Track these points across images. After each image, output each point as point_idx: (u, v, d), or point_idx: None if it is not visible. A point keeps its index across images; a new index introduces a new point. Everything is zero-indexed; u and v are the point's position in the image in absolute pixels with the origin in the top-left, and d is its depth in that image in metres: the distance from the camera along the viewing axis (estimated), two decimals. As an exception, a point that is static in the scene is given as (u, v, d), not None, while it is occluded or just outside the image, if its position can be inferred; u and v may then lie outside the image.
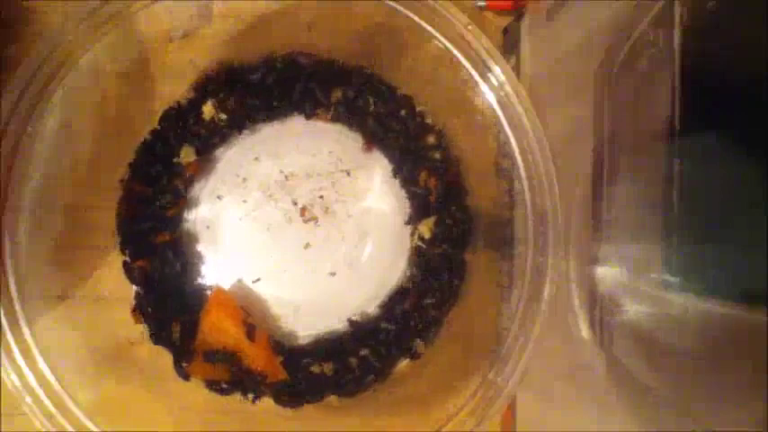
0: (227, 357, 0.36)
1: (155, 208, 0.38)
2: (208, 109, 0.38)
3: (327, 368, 0.38)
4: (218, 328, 0.36)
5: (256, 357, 0.36)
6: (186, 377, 0.37)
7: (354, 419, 0.38)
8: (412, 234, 0.40)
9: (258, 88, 0.38)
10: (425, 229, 0.39)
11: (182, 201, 0.39)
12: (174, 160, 0.38)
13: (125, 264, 0.38)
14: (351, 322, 0.39)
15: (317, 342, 0.39)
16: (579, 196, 0.30)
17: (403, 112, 0.39)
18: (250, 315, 0.38)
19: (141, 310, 0.38)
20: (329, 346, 0.39)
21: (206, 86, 0.38)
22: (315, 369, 0.38)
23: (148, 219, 0.38)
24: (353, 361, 0.38)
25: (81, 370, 0.33)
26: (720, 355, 0.22)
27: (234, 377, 0.36)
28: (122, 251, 0.38)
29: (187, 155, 0.38)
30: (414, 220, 0.39)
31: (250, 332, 0.36)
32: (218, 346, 0.36)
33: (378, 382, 0.38)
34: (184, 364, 0.37)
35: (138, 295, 0.38)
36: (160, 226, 0.38)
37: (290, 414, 0.37)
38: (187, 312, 0.37)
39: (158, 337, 0.37)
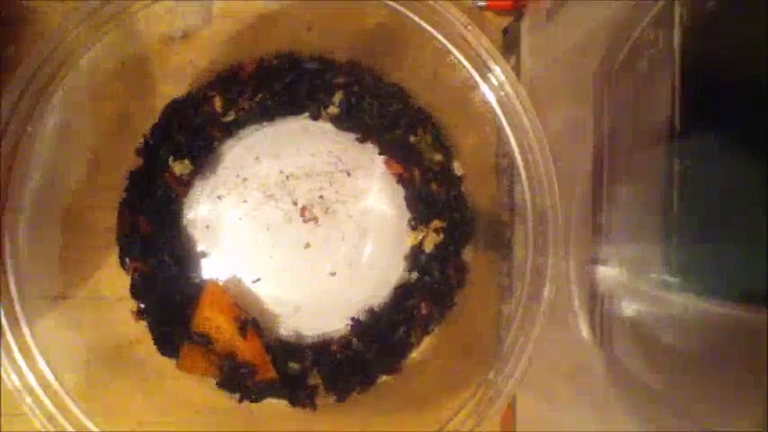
0: (218, 350, 0.36)
1: (155, 208, 0.38)
2: (208, 109, 0.38)
3: (327, 368, 0.38)
4: (211, 324, 0.36)
5: (247, 354, 0.36)
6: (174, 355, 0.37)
7: (354, 419, 0.38)
8: (412, 234, 0.40)
9: (259, 89, 0.38)
10: (425, 228, 0.39)
11: (181, 193, 0.39)
12: (174, 161, 0.38)
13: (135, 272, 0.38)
14: (351, 322, 0.39)
15: (316, 342, 0.39)
16: (579, 196, 0.30)
17: (403, 112, 0.39)
18: (246, 312, 0.37)
19: (141, 310, 0.38)
20: (329, 346, 0.39)
21: (206, 86, 0.38)
22: (314, 369, 0.38)
23: (148, 219, 0.38)
24: (353, 361, 0.38)
25: (81, 370, 0.33)
26: (720, 355, 0.22)
27: (224, 373, 0.36)
28: (122, 251, 0.38)
29: (184, 166, 0.38)
30: (414, 220, 0.39)
31: (242, 329, 0.36)
32: (210, 341, 0.36)
33: (378, 382, 0.38)
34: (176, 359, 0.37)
35: (137, 296, 0.38)
36: (160, 225, 0.38)
37: (289, 414, 0.37)
38: (187, 313, 0.37)
39: (159, 335, 0.37)
